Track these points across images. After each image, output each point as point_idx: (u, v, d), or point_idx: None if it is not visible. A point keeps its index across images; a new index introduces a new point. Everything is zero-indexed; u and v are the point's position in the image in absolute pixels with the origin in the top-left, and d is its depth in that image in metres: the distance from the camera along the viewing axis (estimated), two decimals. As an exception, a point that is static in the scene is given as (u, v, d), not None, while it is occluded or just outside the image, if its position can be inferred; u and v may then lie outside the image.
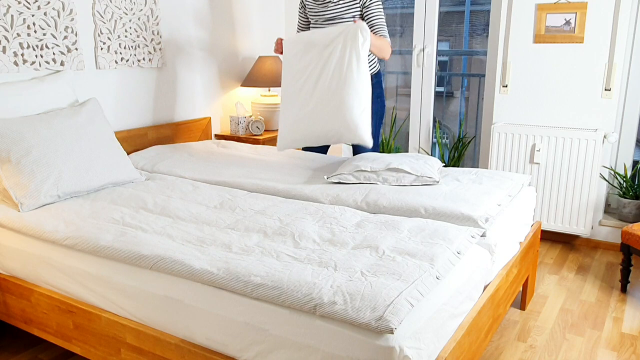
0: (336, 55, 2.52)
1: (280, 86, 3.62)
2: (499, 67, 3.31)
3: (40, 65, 2.59)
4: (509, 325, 2.42)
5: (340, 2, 2.85)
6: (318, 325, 1.36)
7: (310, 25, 3.03)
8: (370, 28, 2.79)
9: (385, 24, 2.86)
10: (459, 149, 3.83)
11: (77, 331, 1.85)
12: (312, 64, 2.60)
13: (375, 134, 3.08)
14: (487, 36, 3.55)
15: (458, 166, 3.82)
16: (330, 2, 2.88)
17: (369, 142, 2.55)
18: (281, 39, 2.80)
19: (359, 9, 2.84)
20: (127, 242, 1.77)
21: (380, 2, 2.84)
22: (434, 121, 3.89)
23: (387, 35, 2.86)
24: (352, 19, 2.86)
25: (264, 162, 2.84)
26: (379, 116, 3.07)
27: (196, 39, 3.47)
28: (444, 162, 3.87)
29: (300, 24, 3.11)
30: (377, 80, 3.03)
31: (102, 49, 2.87)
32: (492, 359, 2.17)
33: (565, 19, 3.05)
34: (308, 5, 2.98)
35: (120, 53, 2.97)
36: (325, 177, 2.44)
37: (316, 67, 2.58)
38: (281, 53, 2.77)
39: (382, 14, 2.85)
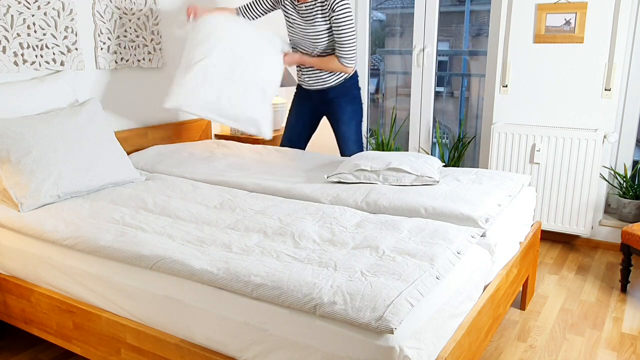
0: (256, 56, 2.78)
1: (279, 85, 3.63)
2: (499, 67, 3.31)
3: (40, 65, 2.59)
4: (509, 325, 2.42)
5: (309, 22, 2.86)
6: (318, 325, 1.36)
7: (289, 35, 3.01)
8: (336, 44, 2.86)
9: (348, 43, 2.81)
10: (459, 149, 3.83)
11: (77, 331, 1.86)
12: (233, 49, 2.70)
13: (357, 135, 3.11)
14: (487, 36, 3.55)
15: (458, 166, 3.82)
16: (303, 15, 2.88)
17: (268, 134, 2.93)
18: (194, 9, 2.79)
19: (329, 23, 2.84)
20: (127, 242, 1.77)
21: (347, 20, 2.77)
22: (434, 121, 3.89)
23: (346, 55, 2.83)
24: (323, 32, 2.86)
25: (264, 161, 2.83)
26: (357, 115, 3.11)
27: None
28: (444, 162, 3.87)
29: (257, 3, 2.98)
30: (352, 82, 3.04)
31: (102, 49, 2.87)
32: (492, 359, 2.17)
33: (565, 19, 3.05)
34: (286, 7, 2.96)
35: (120, 53, 2.97)
36: (326, 176, 2.45)
37: (235, 53, 2.70)
38: (191, 17, 2.81)
39: (347, 33, 2.79)
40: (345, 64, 2.87)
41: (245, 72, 2.74)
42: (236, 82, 2.72)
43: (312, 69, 3.02)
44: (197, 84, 2.63)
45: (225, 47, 2.67)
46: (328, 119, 3.17)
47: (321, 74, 3.01)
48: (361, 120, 3.14)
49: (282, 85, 3.66)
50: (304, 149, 3.29)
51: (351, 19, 2.79)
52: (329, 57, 2.91)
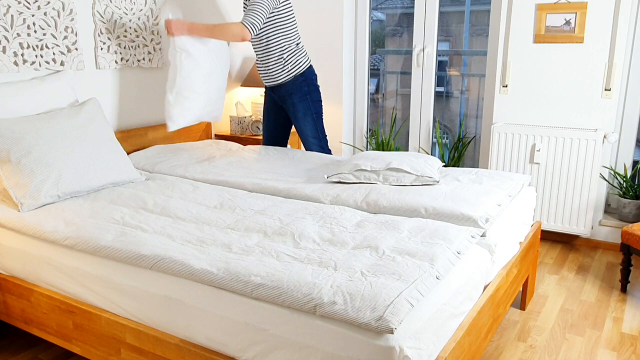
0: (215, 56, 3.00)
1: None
2: (499, 67, 3.31)
3: (40, 65, 2.59)
4: (509, 325, 2.42)
5: None
6: (318, 325, 1.36)
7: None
8: None
9: (255, 8, 2.76)
10: (459, 149, 3.83)
11: (77, 331, 1.86)
12: (205, 58, 2.93)
13: (316, 131, 3.13)
14: (487, 36, 3.55)
15: (458, 166, 3.82)
16: None
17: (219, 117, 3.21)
18: (170, 22, 2.79)
19: None
20: (127, 242, 1.77)
21: None
22: (434, 121, 3.89)
23: (248, 17, 2.75)
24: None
25: (264, 161, 2.84)
26: (311, 111, 3.10)
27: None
28: (444, 162, 3.87)
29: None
30: (302, 78, 3.05)
31: (102, 49, 2.87)
32: (492, 359, 2.17)
33: (565, 19, 3.05)
34: None
35: (120, 53, 2.97)
36: (326, 176, 2.45)
37: (206, 61, 2.93)
38: (170, 35, 2.83)
39: (257, 3, 2.76)
40: (244, 22, 2.74)
41: (213, 69, 2.99)
42: (210, 79, 2.97)
43: (262, 66, 3.05)
44: (187, 103, 2.86)
45: (194, 64, 2.89)
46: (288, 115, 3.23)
47: (268, 70, 3.03)
48: (319, 116, 3.14)
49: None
50: (285, 147, 3.33)
51: None
52: (222, 23, 2.82)
